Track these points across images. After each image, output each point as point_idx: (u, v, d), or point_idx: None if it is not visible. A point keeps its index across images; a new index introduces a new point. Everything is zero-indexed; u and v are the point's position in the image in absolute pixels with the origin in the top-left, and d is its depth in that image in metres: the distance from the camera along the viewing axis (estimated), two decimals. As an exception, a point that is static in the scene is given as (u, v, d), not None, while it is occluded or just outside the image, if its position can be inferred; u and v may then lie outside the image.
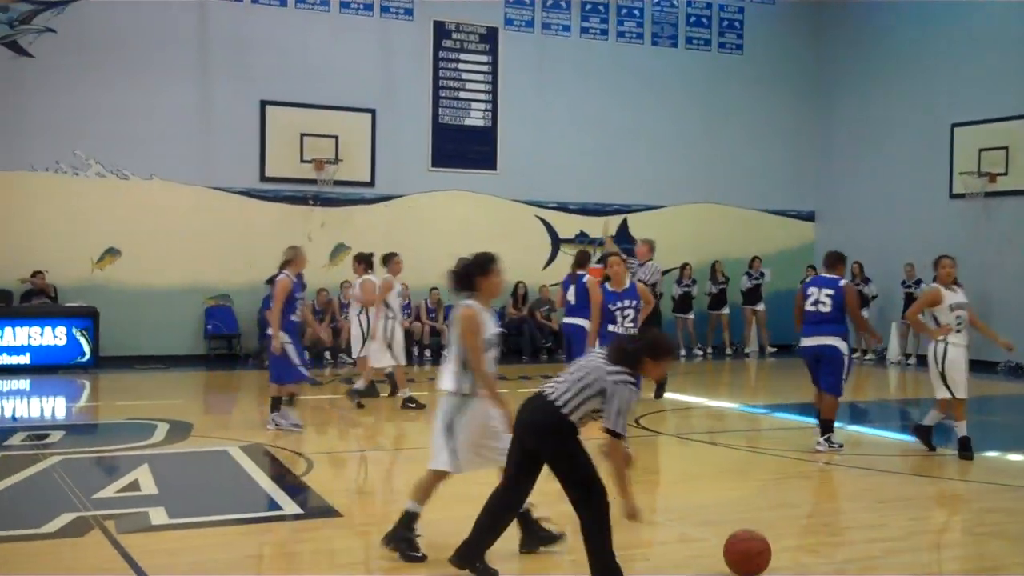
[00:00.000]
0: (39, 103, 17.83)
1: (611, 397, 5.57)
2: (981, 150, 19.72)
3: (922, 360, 19.60)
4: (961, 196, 20.08)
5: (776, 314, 20.95)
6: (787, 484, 9.14)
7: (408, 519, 6.40)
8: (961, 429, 10.11)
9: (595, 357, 5.81)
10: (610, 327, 10.85)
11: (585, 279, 12.32)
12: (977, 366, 18.85)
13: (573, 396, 5.65)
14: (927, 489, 9.10)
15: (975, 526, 7.88)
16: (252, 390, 15.17)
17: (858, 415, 14.13)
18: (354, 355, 14.68)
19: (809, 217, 23.44)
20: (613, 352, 5.71)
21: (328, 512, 7.72)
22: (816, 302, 10.35)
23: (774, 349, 21.47)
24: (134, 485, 8.40)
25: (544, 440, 5.73)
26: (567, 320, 12.75)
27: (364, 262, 13.93)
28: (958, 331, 10.11)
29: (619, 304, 10.99)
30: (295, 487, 8.60)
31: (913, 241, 20.23)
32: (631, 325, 10.87)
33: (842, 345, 10.24)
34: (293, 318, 11.39)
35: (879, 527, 7.51)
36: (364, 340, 13.68)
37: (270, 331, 11.43)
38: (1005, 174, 19.38)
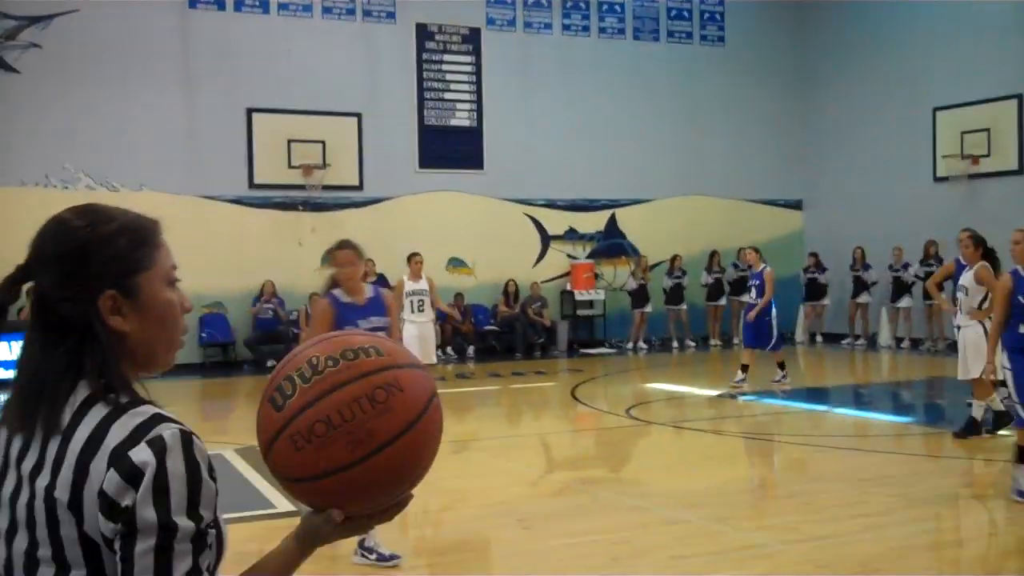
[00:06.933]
0: (27, 118, 17.95)
1: None
2: (963, 133, 19.86)
3: (915, 343, 19.81)
4: (945, 179, 20.23)
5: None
6: (772, 466, 9.29)
7: None
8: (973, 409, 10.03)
9: None
10: None
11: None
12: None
13: None
14: (907, 467, 9.26)
15: (951, 499, 8.02)
16: (248, 396, 15.27)
17: (848, 398, 14.27)
18: None
19: (796, 206, 23.57)
20: None
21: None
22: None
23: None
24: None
25: None
26: None
27: None
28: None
29: None
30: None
31: (899, 226, 20.35)
32: None
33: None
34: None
35: (859, 504, 7.66)
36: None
37: None
38: (988, 156, 19.54)
